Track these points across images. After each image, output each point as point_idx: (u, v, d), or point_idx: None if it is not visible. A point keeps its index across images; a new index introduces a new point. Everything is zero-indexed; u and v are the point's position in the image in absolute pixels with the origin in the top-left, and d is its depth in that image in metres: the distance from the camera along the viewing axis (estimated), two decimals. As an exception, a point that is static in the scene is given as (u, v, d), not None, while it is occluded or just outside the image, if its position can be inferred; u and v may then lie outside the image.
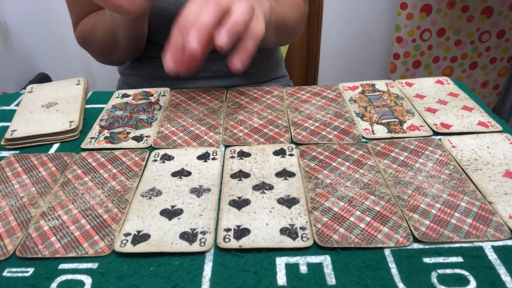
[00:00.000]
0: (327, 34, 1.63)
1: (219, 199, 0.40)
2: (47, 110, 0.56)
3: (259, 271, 0.33)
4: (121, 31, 0.61)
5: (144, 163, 0.46)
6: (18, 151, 0.50)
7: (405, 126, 0.50)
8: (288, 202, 0.39)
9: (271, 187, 0.41)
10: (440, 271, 0.32)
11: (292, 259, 0.34)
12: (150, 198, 0.40)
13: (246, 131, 0.51)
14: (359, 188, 0.40)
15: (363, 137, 0.49)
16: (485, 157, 0.44)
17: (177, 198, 0.40)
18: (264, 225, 0.36)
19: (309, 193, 0.40)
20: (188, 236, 0.36)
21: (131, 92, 0.62)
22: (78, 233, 0.37)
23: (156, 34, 0.67)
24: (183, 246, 0.35)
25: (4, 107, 0.60)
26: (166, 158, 0.46)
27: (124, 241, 0.35)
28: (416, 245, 0.34)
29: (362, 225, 0.36)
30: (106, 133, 0.52)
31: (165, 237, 0.35)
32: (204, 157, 0.46)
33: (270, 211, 0.38)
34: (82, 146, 0.50)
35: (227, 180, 0.42)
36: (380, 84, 0.61)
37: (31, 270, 0.34)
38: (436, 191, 0.39)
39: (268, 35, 0.55)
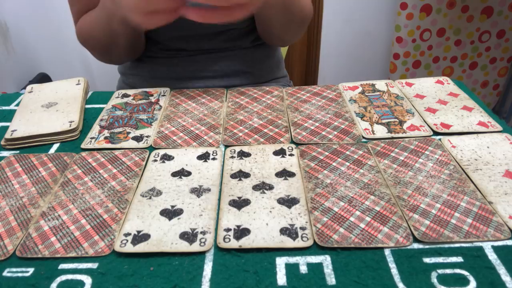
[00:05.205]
0: (327, 34, 1.63)
1: (219, 199, 0.40)
2: (47, 110, 0.56)
3: (259, 271, 0.33)
4: (122, 33, 0.60)
5: (144, 163, 0.46)
6: (18, 151, 0.50)
7: (405, 126, 0.50)
8: (288, 202, 0.39)
9: (271, 187, 0.41)
10: (440, 271, 0.32)
11: (292, 259, 0.34)
12: (150, 198, 0.40)
13: (246, 131, 0.51)
14: (359, 188, 0.40)
15: (363, 137, 0.49)
16: (485, 157, 0.44)
17: (177, 198, 0.40)
18: (264, 225, 0.36)
19: (309, 193, 0.40)
20: (188, 236, 0.36)
21: (131, 92, 0.62)
22: (78, 233, 0.37)
23: (158, 34, 0.67)
24: (183, 246, 0.35)
25: (4, 107, 0.60)
26: (166, 158, 0.46)
27: (124, 241, 0.35)
28: (416, 245, 0.34)
29: (362, 225, 0.36)
30: (106, 133, 0.52)
31: (165, 237, 0.35)
32: (204, 157, 0.46)
33: (270, 211, 0.38)
34: (82, 146, 0.50)
35: (227, 180, 0.42)
36: (380, 84, 0.61)
37: (31, 270, 0.34)
38: (436, 191, 0.39)
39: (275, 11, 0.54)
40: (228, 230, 0.36)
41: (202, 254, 0.34)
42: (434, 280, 0.31)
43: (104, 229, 0.37)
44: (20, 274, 0.33)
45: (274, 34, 0.69)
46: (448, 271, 0.32)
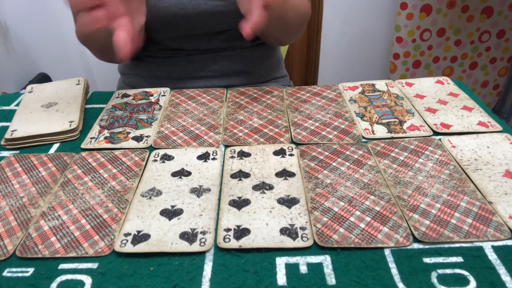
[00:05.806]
0: (327, 34, 1.63)
1: (219, 199, 0.40)
2: (47, 110, 0.56)
3: (259, 271, 0.33)
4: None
5: (144, 163, 0.46)
6: (18, 151, 0.50)
7: (405, 126, 0.50)
8: (288, 202, 0.39)
9: (271, 187, 0.41)
10: (440, 271, 0.32)
11: (292, 259, 0.34)
12: (150, 198, 0.40)
13: (246, 131, 0.51)
14: (359, 188, 0.40)
15: (363, 137, 0.49)
16: (485, 157, 0.44)
17: (177, 198, 0.40)
18: (264, 225, 0.36)
19: (309, 193, 0.40)
20: (188, 236, 0.36)
21: (131, 92, 0.62)
22: (78, 233, 0.37)
23: (157, 34, 0.67)
24: (183, 246, 0.35)
25: (4, 107, 0.60)
26: (166, 158, 0.46)
27: (124, 241, 0.35)
28: (416, 245, 0.34)
29: (362, 225, 0.36)
30: (106, 133, 0.52)
31: (165, 237, 0.35)
32: (204, 157, 0.46)
33: (270, 211, 0.38)
34: (82, 146, 0.50)
35: (227, 180, 0.42)
36: (380, 84, 0.61)
37: (31, 270, 0.34)
38: (436, 191, 0.39)
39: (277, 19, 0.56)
40: (228, 230, 0.36)
41: (202, 254, 0.34)
42: (434, 280, 0.31)
43: (104, 229, 0.37)
44: (20, 274, 0.33)
45: (272, 37, 0.69)
46: (448, 271, 0.32)
